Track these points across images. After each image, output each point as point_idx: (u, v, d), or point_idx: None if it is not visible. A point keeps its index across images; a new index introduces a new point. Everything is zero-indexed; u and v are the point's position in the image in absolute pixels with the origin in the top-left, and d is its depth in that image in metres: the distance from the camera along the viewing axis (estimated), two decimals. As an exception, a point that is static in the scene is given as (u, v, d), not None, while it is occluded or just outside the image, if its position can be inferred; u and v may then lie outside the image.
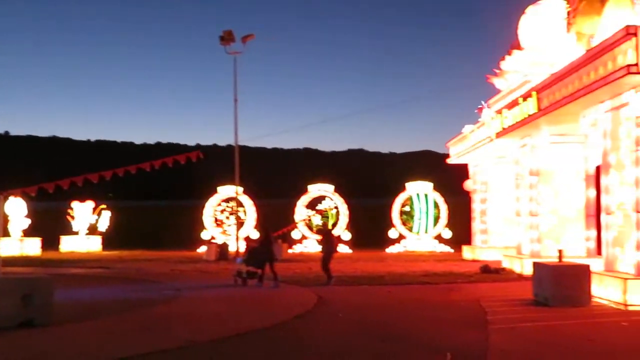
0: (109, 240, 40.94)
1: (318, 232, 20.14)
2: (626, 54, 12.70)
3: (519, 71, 23.06)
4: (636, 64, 12.42)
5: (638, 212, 13.55)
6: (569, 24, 17.86)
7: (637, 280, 13.29)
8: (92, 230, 41.13)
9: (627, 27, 12.73)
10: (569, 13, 17.84)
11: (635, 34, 12.45)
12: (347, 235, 36.45)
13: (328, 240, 19.88)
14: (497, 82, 25.10)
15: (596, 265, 15.63)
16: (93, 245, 40.23)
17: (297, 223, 36.61)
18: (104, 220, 41.43)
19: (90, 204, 41.22)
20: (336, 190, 37.29)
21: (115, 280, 20.98)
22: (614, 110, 14.84)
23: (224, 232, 36.91)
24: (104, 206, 41.72)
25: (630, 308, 12.98)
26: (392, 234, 37.01)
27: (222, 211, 37.31)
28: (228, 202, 36.61)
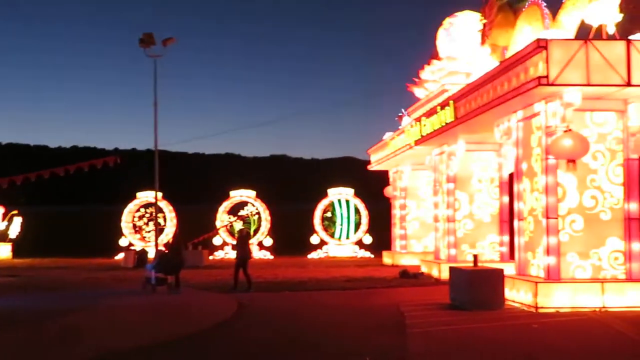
0: (20, 248, 39.27)
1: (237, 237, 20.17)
2: (537, 66, 13.22)
3: (437, 81, 23.64)
4: (546, 76, 12.94)
5: (548, 218, 14.11)
6: (483, 36, 18.46)
7: (547, 283, 13.82)
8: (2, 237, 39.37)
9: (538, 40, 13.26)
10: (484, 25, 18.43)
11: (545, 47, 12.98)
12: (268, 241, 36.35)
13: (243, 245, 19.72)
14: (416, 90, 25.65)
15: (510, 269, 16.18)
16: (2, 252, 38.49)
17: (218, 229, 36.23)
18: (15, 227, 39.75)
19: (-1, 210, 39.50)
20: (258, 196, 37.14)
21: (26, 289, 20.14)
22: (526, 120, 15.41)
23: (143, 238, 36.11)
24: (15, 212, 40.03)
25: (541, 310, 13.47)
26: (314, 239, 37.18)
27: (141, 217, 36.51)
28: (147, 208, 35.86)
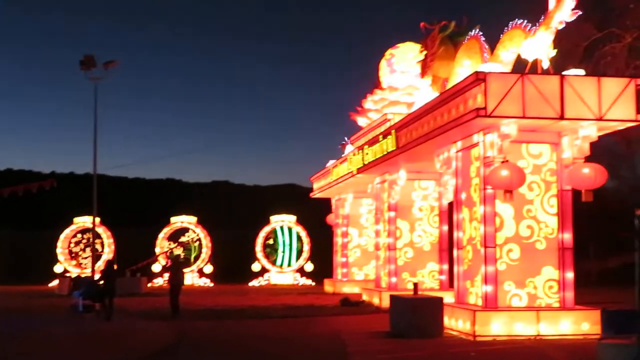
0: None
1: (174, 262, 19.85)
2: (476, 98, 13.56)
3: (380, 110, 23.97)
4: (484, 108, 13.28)
5: (486, 247, 14.37)
6: (424, 67, 18.83)
7: (484, 311, 14.03)
8: None
9: (477, 73, 13.62)
10: (425, 57, 18.81)
11: (484, 80, 13.34)
12: (208, 268, 35.86)
13: (177, 271, 19.41)
14: (359, 119, 25.93)
15: (449, 298, 16.36)
16: None
17: (157, 256, 35.53)
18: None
19: None
20: (199, 222, 36.67)
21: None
22: (465, 150, 15.74)
23: (79, 265, 35.11)
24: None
25: (479, 339, 13.64)
26: (255, 267, 36.87)
27: (78, 243, 35.53)
28: (84, 234, 34.94)
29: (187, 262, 35.61)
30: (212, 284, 34.93)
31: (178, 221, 36.56)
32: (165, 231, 36.27)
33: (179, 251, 35.56)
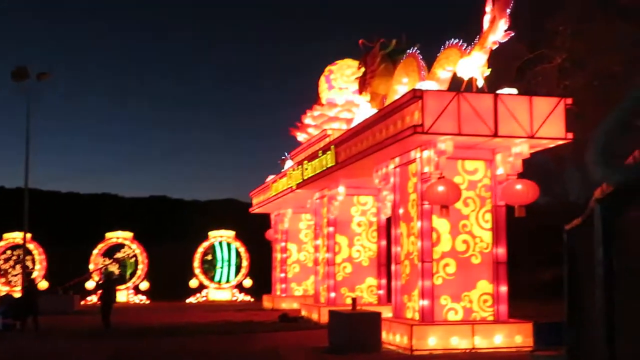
0: None
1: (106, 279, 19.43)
2: (413, 115, 13.79)
3: (319, 126, 24.11)
4: (422, 125, 13.51)
5: (423, 261, 14.55)
6: (363, 84, 19.03)
7: (421, 326, 14.18)
8: None
9: (414, 90, 13.87)
10: (364, 74, 19.01)
11: (421, 98, 13.58)
12: (145, 285, 35.15)
13: (109, 288, 19.02)
14: (299, 135, 26.00)
15: (387, 312, 16.48)
16: None
17: (91, 272, 34.62)
18: None
19: None
20: (135, 238, 35.94)
21: None
22: (402, 166, 15.96)
23: (8, 283, 33.88)
24: None
25: (416, 352, 13.77)
26: (193, 283, 36.33)
27: (7, 260, 34.29)
28: (14, 250, 33.76)
29: (122, 279, 34.84)
30: (148, 301, 34.23)
31: (113, 237, 35.76)
32: (100, 247, 35.41)
33: (114, 268, 34.75)
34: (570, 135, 14.29)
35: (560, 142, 14.55)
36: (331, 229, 21.87)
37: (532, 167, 16.53)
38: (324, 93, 24.36)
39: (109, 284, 19.37)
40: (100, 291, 19.17)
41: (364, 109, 18.76)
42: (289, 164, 26.81)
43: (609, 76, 20.62)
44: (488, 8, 14.10)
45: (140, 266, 35.26)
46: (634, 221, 2.77)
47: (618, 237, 3.27)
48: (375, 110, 17.32)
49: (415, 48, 16.41)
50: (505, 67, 22.63)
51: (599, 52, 20.35)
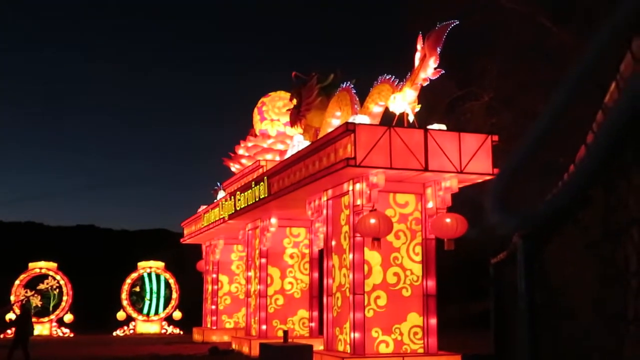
0: None
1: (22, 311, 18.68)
2: (346, 148, 13.96)
3: (253, 157, 24.07)
4: (354, 158, 13.68)
5: (354, 294, 14.61)
6: (296, 116, 19.14)
7: (353, 358, 14.18)
8: None
9: (347, 124, 14.06)
10: (299, 105, 19.14)
11: (353, 131, 13.77)
12: (69, 317, 33.91)
13: (26, 321, 18.32)
14: (232, 165, 25.87)
15: (319, 345, 16.41)
16: None
17: (12, 304, 33.17)
18: None
19: None
20: (60, 268, 34.72)
21: None
22: (335, 198, 16.07)
23: None
24: None
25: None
26: (120, 315, 35.27)
27: None
28: None
29: (45, 311, 33.56)
30: (72, 335, 33.01)
31: (37, 267, 34.45)
32: (22, 277, 34.02)
33: (36, 300, 33.43)
34: (496, 171, 14.73)
35: (488, 177, 14.98)
36: (263, 260, 21.73)
37: (461, 201, 16.93)
38: (257, 124, 24.40)
39: (27, 315, 18.66)
40: (17, 324, 18.38)
41: (298, 141, 18.86)
42: (221, 194, 26.59)
43: (534, 114, 21.43)
44: (419, 46, 14.50)
45: (64, 298, 34.02)
46: (555, 256, 2.88)
47: (540, 271, 3.38)
48: (308, 143, 17.44)
49: (350, 83, 16.66)
50: (436, 103, 23.27)
51: (524, 91, 21.17)
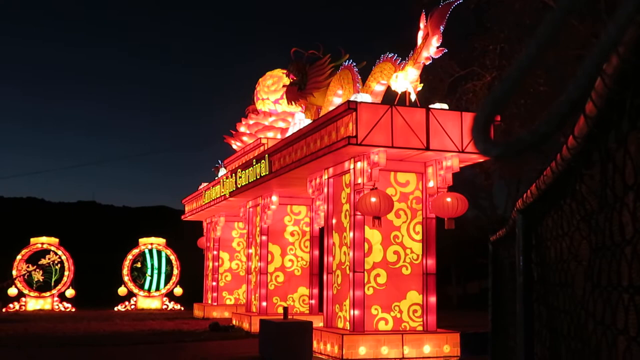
0: None
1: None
2: (347, 126, 13.97)
3: (254, 134, 24.07)
4: (355, 136, 13.69)
5: (354, 271, 14.71)
6: (296, 94, 19.05)
7: (352, 335, 14.31)
8: None
9: (349, 102, 14.05)
10: (295, 82, 19.02)
11: (355, 109, 13.77)
12: (70, 293, 34.16)
13: None
14: (233, 143, 25.89)
15: (319, 322, 16.56)
16: None
17: (14, 278, 33.40)
18: None
19: None
20: (62, 244, 34.91)
21: None
22: (336, 177, 16.12)
23: None
24: None
25: (345, 362, 13.89)
26: (122, 291, 35.51)
27: None
28: None
29: (47, 286, 33.81)
30: (73, 310, 33.27)
31: (38, 242, 34.63)
32: (24, 253, 34.22)
33: (38, 274, 33.66)
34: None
35: (488, 157, 14.97)
36: (264, 237, 21.84)
37: (462, 181, 16.99)
38: (259, 102, 24.38)
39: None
40: None
41: (300, 119, 18.85)
42: (222, 172, 26.64)
43: (535, 95, 21.41)
44: (422, 24, 14.45)
45: (66, 273, 34.25)
46: (550, 229, 2.92)
47: (537, 246, 3.43)
48: (309, 121, 17.44)
49: (350, 60, 16.61)
50: (438, 83, 23.22)
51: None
